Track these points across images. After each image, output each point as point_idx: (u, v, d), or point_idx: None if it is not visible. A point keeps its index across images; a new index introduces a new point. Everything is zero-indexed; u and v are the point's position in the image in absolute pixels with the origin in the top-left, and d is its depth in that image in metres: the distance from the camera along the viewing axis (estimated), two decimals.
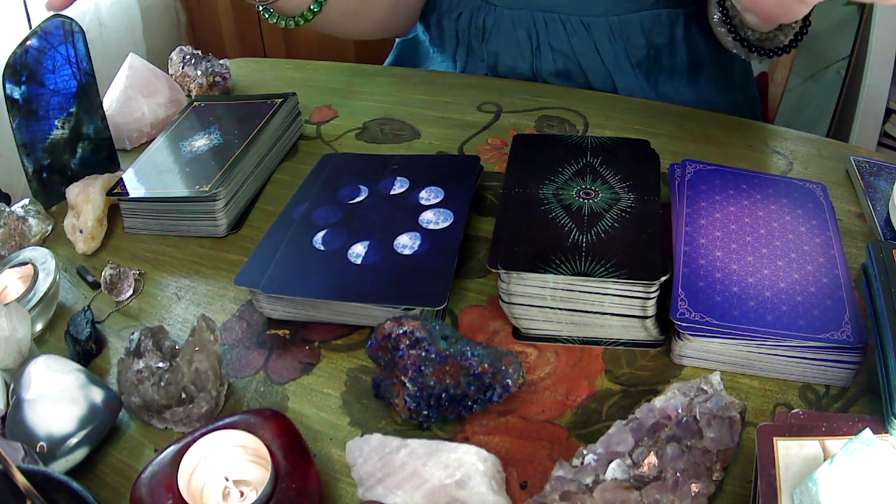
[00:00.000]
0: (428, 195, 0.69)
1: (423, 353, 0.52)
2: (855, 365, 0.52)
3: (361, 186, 0.72)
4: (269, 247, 0.65)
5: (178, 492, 0.46)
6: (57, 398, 0.52)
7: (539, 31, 0.91)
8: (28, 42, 0.73)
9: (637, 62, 0.91)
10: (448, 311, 0.62)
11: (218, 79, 0.97)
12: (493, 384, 0.52)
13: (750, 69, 1.03)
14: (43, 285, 0.65)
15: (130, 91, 0.88)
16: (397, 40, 1.09)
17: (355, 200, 0.70)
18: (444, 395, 0.52)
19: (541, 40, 0.91)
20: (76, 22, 0.76)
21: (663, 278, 0.53)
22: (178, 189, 0.73)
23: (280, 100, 0.84)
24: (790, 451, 0.43)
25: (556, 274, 0.54)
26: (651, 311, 0.55)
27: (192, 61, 0.96)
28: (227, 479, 0.48)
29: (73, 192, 0.75)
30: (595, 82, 0.93)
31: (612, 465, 0.46)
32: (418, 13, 1.01)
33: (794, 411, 0.46)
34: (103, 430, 0.54)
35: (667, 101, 0.91)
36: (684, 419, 0.48)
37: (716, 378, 0.50)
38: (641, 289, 0.54)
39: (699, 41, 0.91)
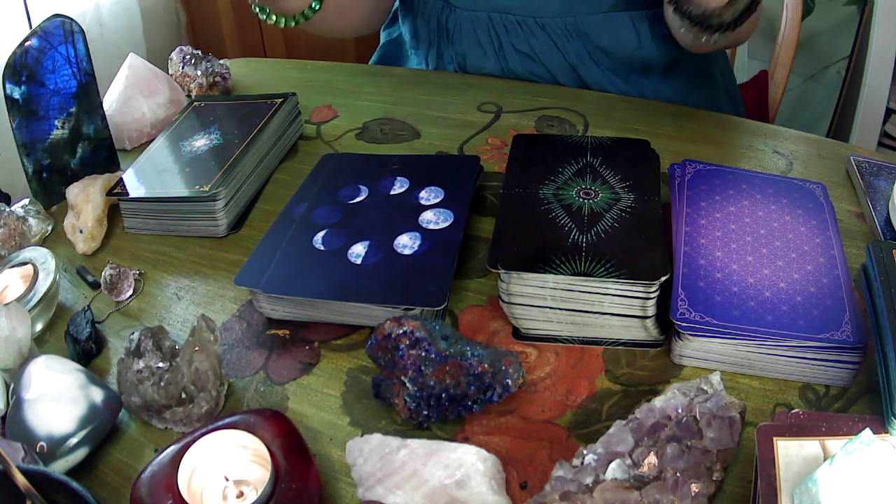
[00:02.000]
0: (428, 195, 0.69)
1: (423, 353, 0.52)
2: (855, 365, 0.52)
3: (361, 186, 0.72)
4: (269, 247, 0.65)
5: (178, 492, 0.46)
6: (57, 398, 0.52)
7: (499, 31, 0.91)
8: (28, 42, 0.73)
9: (599, 60, 0.91)
10: (448, 311, 0.62)
11: (218, 79, 0.97)
12: (493, 384, 0.52)
13: (731, 71, 1.02)
14: (43, 285, 0.65)
15: (130, 91, 0.88)
16: (382, 40, 1.10)
17: (355, 200, 0.70)
18: (444, 395, 0.52)
19: (502, 41, 0.92)
20: (76, 22, 0.76)
21: (663, 278, 0.53)
22: (178, 189, 0.73)
23: (280, 100, 0.84)
24: (790, 451, 0.43)
25: (556, 274, 0.54)
26: (651, 311, 0.55)
27: (192, 61, 0.96)
28: (227, 479, 0.48)
29: (73, 192, 0.75)
30: (563, 81, 0.93)
31: (612, 465, 0.46)
32: (392, 6, 1.03)
33: (794, 411, 0.46)
34: (103, 430, 0.54)
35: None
36: (684, 419, 0.48)
37: (716, 378, 0.50)
38: (641, 289, 0.54)
39: (672, 41, 0.90)
